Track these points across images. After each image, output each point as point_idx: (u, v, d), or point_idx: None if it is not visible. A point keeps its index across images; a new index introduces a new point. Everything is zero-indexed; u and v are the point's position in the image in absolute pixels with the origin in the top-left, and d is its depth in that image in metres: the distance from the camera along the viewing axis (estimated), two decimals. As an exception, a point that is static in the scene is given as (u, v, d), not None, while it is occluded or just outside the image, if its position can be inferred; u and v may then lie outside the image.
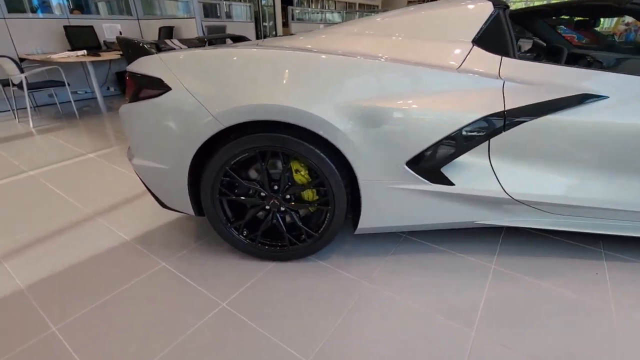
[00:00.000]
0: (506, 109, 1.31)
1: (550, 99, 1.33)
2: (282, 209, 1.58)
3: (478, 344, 1.24)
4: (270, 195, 1.54)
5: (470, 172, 1.46)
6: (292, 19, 10.17)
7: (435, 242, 1.82)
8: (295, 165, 1.52)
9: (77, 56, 4.35)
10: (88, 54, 4.49)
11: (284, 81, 1.33)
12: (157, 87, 1.39)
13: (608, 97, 1.33)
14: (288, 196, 1.56)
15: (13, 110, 4.57)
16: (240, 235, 1.63)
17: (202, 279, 1.56)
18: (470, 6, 1.46)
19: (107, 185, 2.52)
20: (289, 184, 1.53)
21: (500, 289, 1.50)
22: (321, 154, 1.40)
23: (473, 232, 1.90)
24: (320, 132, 1.34)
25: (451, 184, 1.45)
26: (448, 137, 1.35)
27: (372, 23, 1.57)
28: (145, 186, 1.64)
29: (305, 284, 1.53)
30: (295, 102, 1.31)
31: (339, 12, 12.49)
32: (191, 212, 1.62)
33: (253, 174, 1.60)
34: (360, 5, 17.95)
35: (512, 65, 1.37)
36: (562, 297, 1.45)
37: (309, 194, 1.57)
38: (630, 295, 1.46)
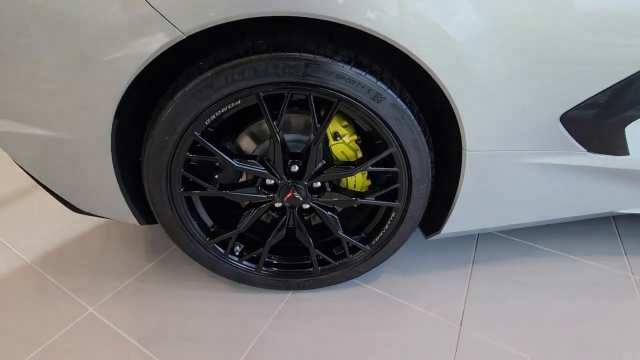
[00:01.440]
0: None
1: None
2: (306, 206, 0.86)
3: None
4: (287, 183, 0.80)
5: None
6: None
7: (525, 237, 1.20)
8: (333, 126, 0.78)
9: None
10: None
11: None
12: None
13: None
14: (318, 184, 0.83)
15: None
16: (230, 256, 0.90)
17: (161, 340, 0.85)
18: None
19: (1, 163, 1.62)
20: (323, 161, 0.79)
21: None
22: (398, 100, 0.67)
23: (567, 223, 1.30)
24: (409, 47, 0.59)
25: (625, 153, 0.79)
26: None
27: None
28: (30, 175, 0.82)
29: (352, 336, 0.87)
30: None
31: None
32: (130, 219, 0.85)
33: (247, 144, 0.84)
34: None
35: None
36: None
37: (358, 180, 0.85)
38: None
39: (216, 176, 0.85)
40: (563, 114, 0.71)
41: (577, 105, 0.69)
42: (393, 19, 0.57)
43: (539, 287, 1.01)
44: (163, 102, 0.67)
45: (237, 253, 0.91)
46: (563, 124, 0.72)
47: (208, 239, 0.86)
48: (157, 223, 0.87)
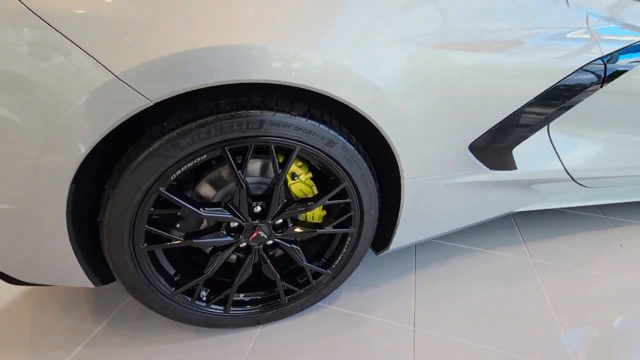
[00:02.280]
0: (604, 54, 0.92)
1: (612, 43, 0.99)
2: (270, 242, 0.91)
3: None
4: (252, 224, 0.84)
5: (531, 150, 1.06)
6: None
7: (453, 240, 1.42)
8: (291, 168, 0.86)
9: None
10: None
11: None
12: None
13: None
14: (280, 220, 0.90)
15: None
16: (197, 302, 0.90)
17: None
18: None
19: None
20: (284, 200, 0.86)
21: (556, 286, 1.20)
22: (347, 143, 0.78)
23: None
24: (351, 101, 0.71)
25: (514, 168, 1.03)
26: (529, 103, 0.90)
27: None
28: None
29: (324, 358, 0.93)
30: (306, 40, 0.65)
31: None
32: (84, 282, 0.80)
33: (207, 191, 0.86)
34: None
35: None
36: (616, 281, 1.24)
37: (315, 212, 0.93)
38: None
39: (177, 225, 0.85)
40: (471, 144, 0.90)
41: (479, 137, 0.89)
42: (318, 70, 0.67)
43: (468, 281, 1.21)
44: (125, 162, 0.67)
45: (203, 298, 0.91)
46: (471, 151, 0.92)
47: (173, 289, 0.85)
48: (113, 282, 0.83)
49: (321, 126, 0.74)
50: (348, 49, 0.69)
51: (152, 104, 0.60)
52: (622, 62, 0.95)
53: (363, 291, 1.15)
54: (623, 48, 0.94)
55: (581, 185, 1.22)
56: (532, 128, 1.00)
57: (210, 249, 0.90)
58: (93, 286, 0.81)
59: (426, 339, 1.00)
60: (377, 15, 0.72)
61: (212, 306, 0.92)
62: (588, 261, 1.35)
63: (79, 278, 0.77)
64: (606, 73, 0.94)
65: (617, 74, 0.95)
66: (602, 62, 0.92)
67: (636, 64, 0.97)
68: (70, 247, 0.71)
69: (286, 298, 0.98)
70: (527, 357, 0.96)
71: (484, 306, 1.11)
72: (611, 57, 0.92)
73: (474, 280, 1.22)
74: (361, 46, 0.70)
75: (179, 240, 0.80)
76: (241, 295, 0.96)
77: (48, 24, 0.52)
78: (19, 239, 0.68)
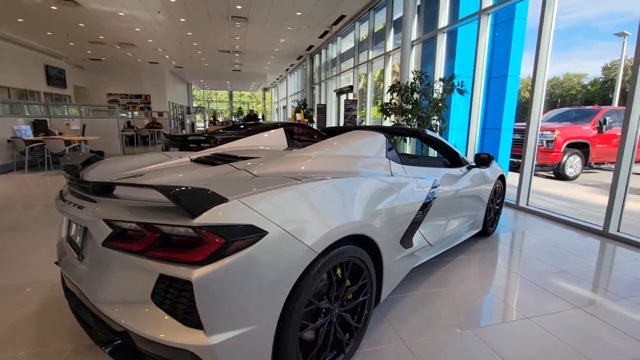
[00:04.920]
0: (427, 194, 2.27)
1: (426, 185, 2.42)
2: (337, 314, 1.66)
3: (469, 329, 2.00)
4: (334, 306, 1.60)
5: (416, 237, 2.27)
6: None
7: (396, 292, 2.43)
8: (340, 270, 1.70)
9: None
10: None
11: (352, 202, 1.63)
12: (250, 234, 1.19)
13: (437, 178, 2.61)
14: (340, 301, 1.68)
15: None
16: (311, 367, 1.51)
17: None
18: (376, 136, 2.35)
19: None
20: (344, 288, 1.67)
21: (444, 298, 2.36)
22: (365, 252, 1.73)
23: (392, 277, 2.68)
24: (372, 235, 1.70)
25: (412, 246, 2.20)
26: (415, 216, 2.12)
27: (328, 147, 2.11)
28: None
29: (378, 373, 1.67)
30: (365, 216, 1.65)
31: (25, 103, 9.89)
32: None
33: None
34: (46, 93, 15.33)
35: (408, 169, 2.37)
36: (463, 289, 2.52)
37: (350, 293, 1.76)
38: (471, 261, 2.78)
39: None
40: (399, 240, 2.01)
41: (402, 235, 2.02)
42: (372, 230, 1.65)
43: (419, 309, 2.21)
44: (298, 287, 1.36)
45: (313, 364, 1.53)
46: (400, 243, 2.02)
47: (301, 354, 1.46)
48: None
49: (358, 248, 1.66)
50: (375, 217, 1.69)
51: (317, 254, 1.38)
52: (432, 194, 2.35)
53: (367, 337, 1.96)
54: (429, 190, 2.35)
55: (433, 246, 2.53)
56: (417, 226, 2.22)
57: (317, 327, 1.56)
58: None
59: (416, 344, 1.89)
60: (374, 202, 1.76)
61: (317, 367, 1.54)
62: (447, 282, 2.63)
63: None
64: (431, 199, 2.30)
65: (435, 199, 2.35)
66: (428, 197, 2.28)
67: (436, 193, 2.40)
68: (272, 346, 1.29)
69: (346, 349, 1.69)
70: (442, 341, 2.00)
71: (431, 322, 2.12)
72: (429, 194, 2.31)
73: (421, 309, 2.23)
74: (371, 215, 1.71)
75: (312, 324, 1.47)
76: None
77: (285, 230, 1.29)
78: (247, 348, 1.22)
